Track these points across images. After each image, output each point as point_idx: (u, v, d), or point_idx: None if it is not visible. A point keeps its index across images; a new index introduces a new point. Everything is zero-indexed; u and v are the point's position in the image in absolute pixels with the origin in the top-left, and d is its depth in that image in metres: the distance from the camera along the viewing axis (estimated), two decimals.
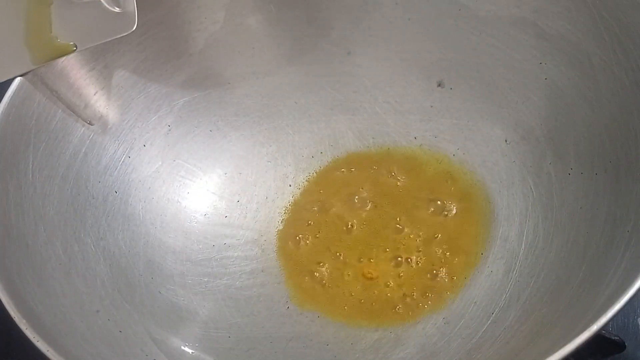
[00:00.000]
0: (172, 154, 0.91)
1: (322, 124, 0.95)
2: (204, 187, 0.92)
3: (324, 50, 0.95)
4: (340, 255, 0.84)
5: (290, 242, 0.88)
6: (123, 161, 0.86)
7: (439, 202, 0.86)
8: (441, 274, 0.80)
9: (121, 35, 0.77)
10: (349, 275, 0.83)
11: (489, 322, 0.72)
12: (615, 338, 0.73)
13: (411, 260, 0.82)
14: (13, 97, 0.76)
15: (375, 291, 0.81)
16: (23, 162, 0.75)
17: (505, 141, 0.86)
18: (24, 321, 0.61)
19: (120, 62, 0.87)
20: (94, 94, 0.85)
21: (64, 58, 0.80)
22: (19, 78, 0.77)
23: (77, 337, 0.66)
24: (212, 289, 0.83)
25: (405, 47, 0.91)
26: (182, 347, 0.75)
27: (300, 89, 0.96)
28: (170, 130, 0.91)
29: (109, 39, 0.77)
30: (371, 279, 0.81)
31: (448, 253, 0.82)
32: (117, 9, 0.77)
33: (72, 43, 0.75)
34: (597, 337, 0.54)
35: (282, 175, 0.94)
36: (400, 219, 0.86)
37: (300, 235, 0.88)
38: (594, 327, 0.54)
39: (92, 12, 0.77)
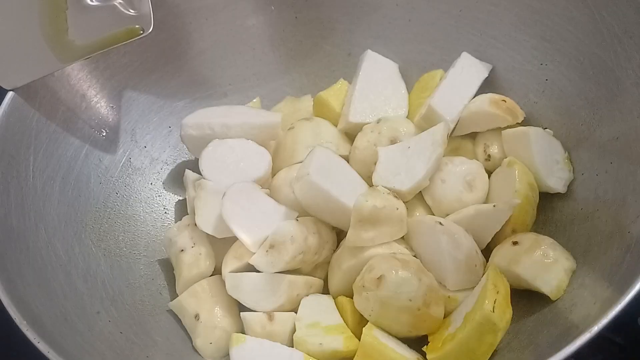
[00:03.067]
0: (173, 155, 0.92)
1: None
2: None
3: (325, 51, 0.95)
4: None
5: None
6: (124, 162, 0.87)
7: None
8: None
9: (138, 38, 0.77)
10: None
11: None
12: (616, 338, 0.73)
13: None
14: (14, 99, 0.76)
15: None
16: (24, 164, 0.75)
17: None
18: (25, 322, 0.61)
19: (122, 63, 0.87)
20: (95, 95, 0.85)
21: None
22: None
23: (77, 338, 0.66)
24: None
25: (405, 49, 0.91)
26: (184, 349, 0.75)
27: (302, 90, 0.96)
28: (171, 131, 0.91)
29: (126, 42, 0.77)
30: None
31: None
32: (132, 12, 0.78)
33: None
34: (598, 338, 0.54)
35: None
36: None
37: None
38: (595, 328, 0.55)
39: (107, 16, 0.78)
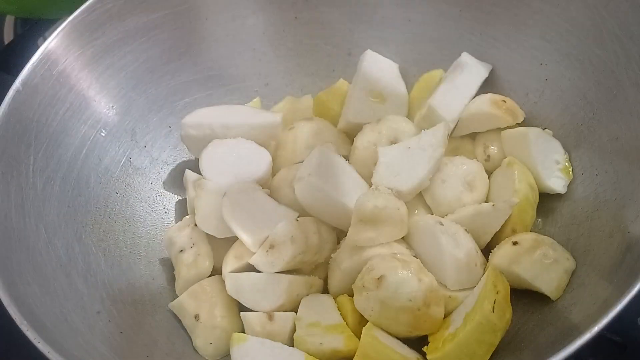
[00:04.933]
0: (173, 155, 0.92)
1: None
2: None
3: (325, 51, 0.95)
4: None
5: None
6: (124, 162, 0.87)
7: None
8: None
9: None
10: None
11: None
12: (616, 338, 0.73)
13: None
14: (14, 99, 0.76)
15: None
16: (24, 164, 0.75)
17: None
18: (25, 322, 0.61)
19: (122, 63, 0.87)
20: (95, 95, 0.85)
21: (64, 59, 0.81)
22: (19, 80, 0.77)
23: (78, 338, 0.66)
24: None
25: (405, 49, 0.91)
26: (184, 349, 0.75)
27: (302, 90, 0.96)
28: (171, 131, 0.91)
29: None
30: None
31: None
32: None
33: None
34: (598, 338, 0.54)
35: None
36: None
37: None
38: (595, 328, 0.55)
39: None
